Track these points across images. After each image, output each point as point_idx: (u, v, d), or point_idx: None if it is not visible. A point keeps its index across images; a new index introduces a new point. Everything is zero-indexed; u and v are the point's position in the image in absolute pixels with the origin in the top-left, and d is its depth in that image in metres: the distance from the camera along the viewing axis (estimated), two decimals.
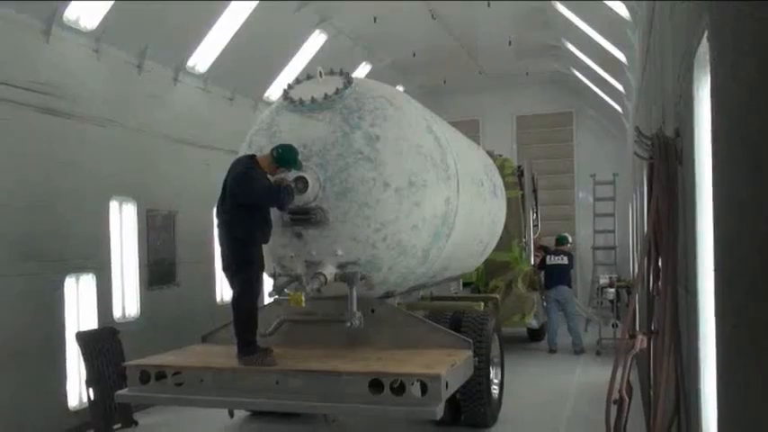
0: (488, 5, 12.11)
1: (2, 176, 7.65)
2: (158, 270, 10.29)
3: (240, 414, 8.58)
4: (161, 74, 10.45)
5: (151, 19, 9.49)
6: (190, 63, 10.93)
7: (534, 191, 14.73)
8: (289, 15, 11.64)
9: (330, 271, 6.80)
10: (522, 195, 13.69)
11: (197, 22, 10.38)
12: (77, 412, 8.48)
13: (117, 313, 9.48)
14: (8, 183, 7.73)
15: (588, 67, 14.41)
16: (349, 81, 7.23)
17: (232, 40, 11.00)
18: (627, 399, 6.14)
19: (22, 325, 7.81)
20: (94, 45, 9.08)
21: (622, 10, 9.31)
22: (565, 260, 13.31)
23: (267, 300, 7.91)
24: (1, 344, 7.49)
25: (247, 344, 6.55)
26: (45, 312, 8.21)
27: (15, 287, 7.75)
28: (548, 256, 13.55)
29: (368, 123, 6.98)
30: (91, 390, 8.30)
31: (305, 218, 6.88)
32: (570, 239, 14.14)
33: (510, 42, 14.63)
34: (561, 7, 11.84)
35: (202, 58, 11.10)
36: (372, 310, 7.10)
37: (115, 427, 8.42)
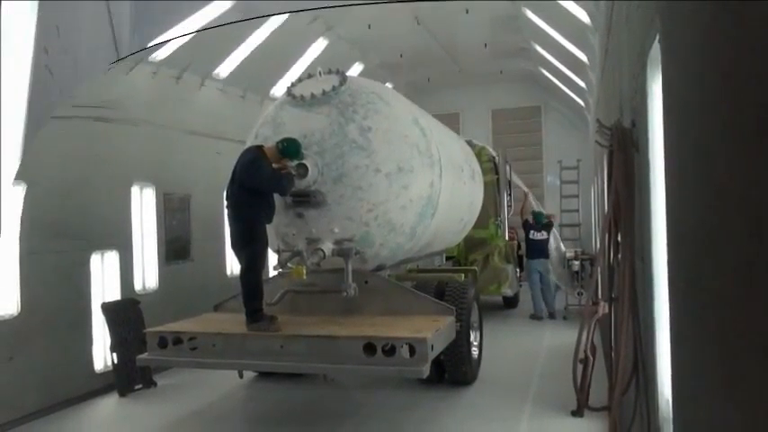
0: (467, 12, 12.10)
1: (42, 171, 7.60)
2: (174, 247, 10.28)
3: (248, 375, 8.62)
4: (192, 81, 10.46)
5: (197, 42, 9.44)
6: (215, 71, 10.97)
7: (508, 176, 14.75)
8: (302, 27, 11.62)
9: (328, 247, 6.83)
10: (497, 180, 13.70)
11: (228, 39, 10.32)
12: (102, 375, 8.51)
13: (138, 286, 9.48)
14: (45, 172, 7.69)
15: (554, 67, 14.39)
16: (344, 79, 7.20)
17: (253, 51, 11.01)
18: (591, 358, 6.23)
19: (54, 297, 7.81)
20: (155, 69, 9.30)
21: (584, 16, 9.29)
22: (545, 236, 13.16)
23: (272, 273, 7.92)
24: (35, 313, 7.49)
25: (254, 312, 6.55)
26: (74, 285, 8.22)
27: (48, 263, 7.75)
28: (531, 232, 13.22)
29: (361, 116, 6.98)
30: (114, 354, 8.35)
31: (305, 200, 6.89)
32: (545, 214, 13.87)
33: (486, 45, 14.65)
34: (530, 14, 11.82)
35: (226, 66, 11.13)
36: (366, 282, 7.11)
37: (136, 387, 8.46)
